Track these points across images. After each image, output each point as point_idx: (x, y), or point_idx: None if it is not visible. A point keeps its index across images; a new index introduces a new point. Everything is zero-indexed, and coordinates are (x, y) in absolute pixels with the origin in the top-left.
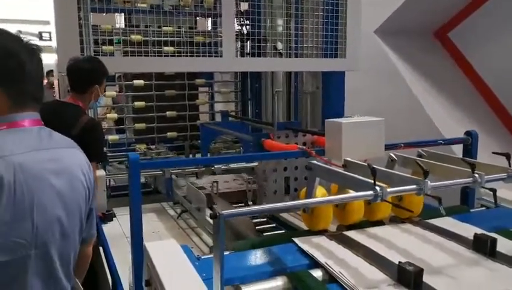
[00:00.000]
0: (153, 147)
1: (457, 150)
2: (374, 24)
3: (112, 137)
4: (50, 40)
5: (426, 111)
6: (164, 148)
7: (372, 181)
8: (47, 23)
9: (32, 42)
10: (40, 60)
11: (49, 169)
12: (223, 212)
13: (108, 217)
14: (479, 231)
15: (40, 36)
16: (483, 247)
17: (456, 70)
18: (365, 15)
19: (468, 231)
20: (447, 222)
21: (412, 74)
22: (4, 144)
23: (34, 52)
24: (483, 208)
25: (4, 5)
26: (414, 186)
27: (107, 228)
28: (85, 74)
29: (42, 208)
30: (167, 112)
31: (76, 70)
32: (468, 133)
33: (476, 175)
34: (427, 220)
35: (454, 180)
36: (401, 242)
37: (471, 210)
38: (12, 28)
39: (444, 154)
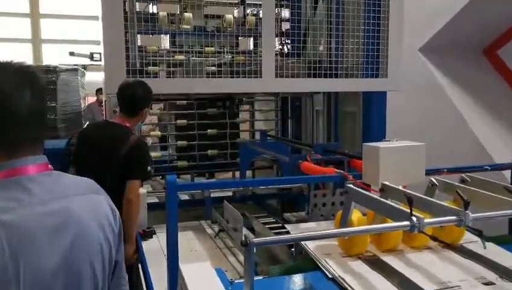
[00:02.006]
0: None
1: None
2: (419, 42)
3: (155, 154)
4: (100, 60)
5: (473, 131)
6: None
7: (409, 210)
8: (98, 43)
9: (27, 65)
10: (39, 90)
11: (48, 225)
12: (254, 240)
13: (148, 234)
14: None
15: (91, 57)
16: None
17: (506, 89)
18: (409, 33)
19: None
20: (491, 251)
21: (458, 92)
22: None
23: (30, 80)
24: None
25: (58, 27)
26: (454, 217)
27: (146, 245)
28: (139, 100)
29: (32, 274)
30: (208, 130)
31: (131, 96)
32: None
33: None
34: (470, 247)
35: (498, 212)
36: (439, 271)
37: None
38: (65, 49)
39: (489, 180)
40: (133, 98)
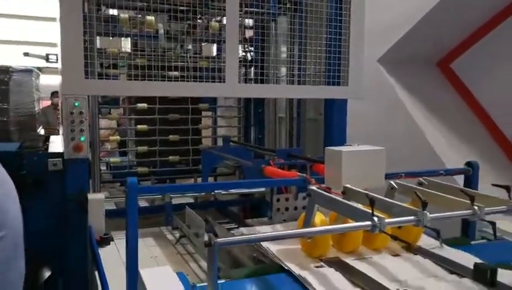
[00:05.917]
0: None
1: (460, 180)
2: (378, 53)
3: (114, 159)
4: (56, 62)
5: (429, 142)
6: None
7: (371, 211)
8: (54, 45)
9: None
10: None
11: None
12: (218, 240)
13: (105, 240)
14: (480, 261)
15: (47, 58)
16: (484, 277)
17: (458, 101)
18: (369, 44)
19: (469, 260)
20: (447, 251)
21: (414, 103)
22: None
23: None
24: (484, 240)
25: (12, 27)
26: (412, 217)
27: (103, 252)
28: None
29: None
30: (170, 136)
31: None
32: (469, 163)
33: (475, 207)
34: (427, 248)
35: (453, 212)
36: (401, 271)
37: (472, 242)
38: (19, 50)
39: (445, 183)
40: None
